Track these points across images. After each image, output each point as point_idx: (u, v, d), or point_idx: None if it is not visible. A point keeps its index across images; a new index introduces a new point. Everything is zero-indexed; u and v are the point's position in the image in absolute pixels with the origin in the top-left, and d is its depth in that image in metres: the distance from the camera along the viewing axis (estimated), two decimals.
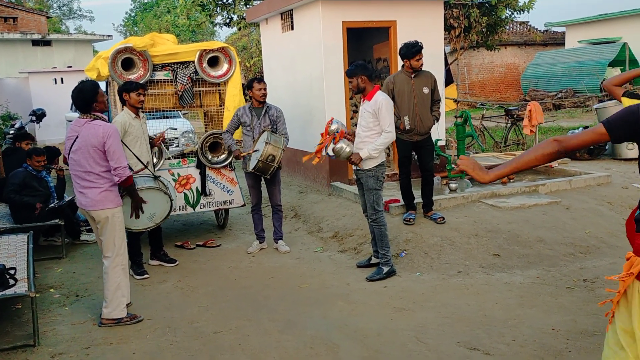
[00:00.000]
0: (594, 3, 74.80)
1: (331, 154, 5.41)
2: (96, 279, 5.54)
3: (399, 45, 7.85)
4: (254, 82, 6.09)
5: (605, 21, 23.70)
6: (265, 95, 6.09)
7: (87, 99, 4.31)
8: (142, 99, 5.48)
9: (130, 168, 5.19)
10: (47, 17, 30.07)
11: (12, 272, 4.33)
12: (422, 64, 6.00)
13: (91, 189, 4.31)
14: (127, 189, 4.47)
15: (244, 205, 6.93)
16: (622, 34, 22.51)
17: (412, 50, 5.90)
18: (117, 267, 4.45)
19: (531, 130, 8.94)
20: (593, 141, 2.37)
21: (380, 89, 5.32)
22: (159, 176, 5.31)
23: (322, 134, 5.54)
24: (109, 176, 4.33)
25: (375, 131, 5.12)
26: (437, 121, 6.34)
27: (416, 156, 6.32)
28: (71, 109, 12.78)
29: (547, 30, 28.71)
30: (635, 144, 2.31)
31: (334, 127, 5.37)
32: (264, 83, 6.13)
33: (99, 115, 4.35)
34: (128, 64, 6.33)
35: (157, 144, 6.04)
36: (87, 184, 4.31)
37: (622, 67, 20.78)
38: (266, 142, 5.79)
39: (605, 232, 6.01)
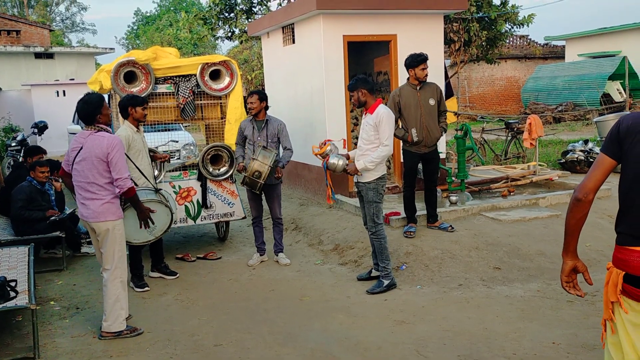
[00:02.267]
0: (594, 17, 75.35)
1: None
2: (96, 291, 5.54)
3: (400, 59, 7.98)
4: (248, 96, 6.14)
5: (605, 35, 23.84)
6: (254, 108, 6.01)
7: (92, 111, 4.35)
8: (146, 113, 5.55)
9: (134, 183, 5.23)
10: (50, 30, 30.29)
11: (12, 284, 4.33)
12: (427, 74, 6.06)
13: (93, 201, 4.33)
14: (130, 200, 4.49)
15: (244, 217, 6.94)
16: (622, 48, 22.63)
17: (417, 60, 5.96)
18: (116, 280, 4.45)
19: (531, 144, 8.95)
20: (604, 172, 2.37)
21: (383, 102, 5.34)
22: (160, 189, 5.33)
23: (316, 154, 5.60)
24: (111, 188, 4.35)
25: (376, 144, 5.14)
26: (445, 132, 6.40)
27: (421, 168, 6.35)
28: (73, 121, 12.84)
29: (547, 44, 28.88)
30: None
31: (332, 161, 5.37)
32: (255, 95, 6.03)
33: (103, 128, 4.39)
34: (130, 77, 6.37)
35: (159, 160, 6.06)
36: (89, 195, 4.33)
37: (622, 81, 20.86)
38: (253, 158, 5.87)
39: (606, 245, 6.01)
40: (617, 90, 20.93)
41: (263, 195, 6.25)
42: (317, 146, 5.61)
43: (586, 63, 23.11)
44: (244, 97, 6.79)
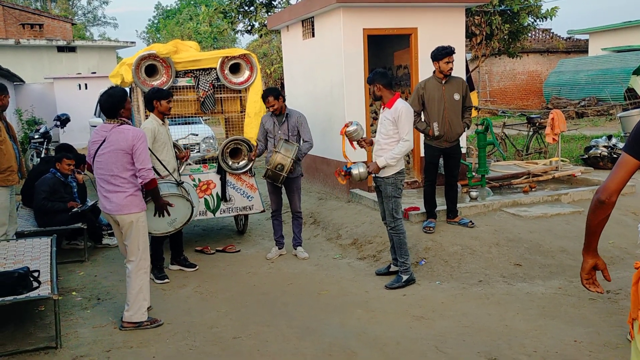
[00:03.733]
0: (618, 10, 73.85)
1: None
2: (117, 282, 5.61)
3: (420, 53, 7.91)
4: (262, 97, 6.13)
5: (629, 29, 23.37)
6: (275, 108, 6.00)
7: (115, 104, 4.38)
8: (171, 106, 5.59)
9: (157, 173, 5.27)
10: (72, 24, 30.62)
11: (35, 274, 4.40)
12: (451, 68, 5.98)
13: (116, 194, 4.36)
14: (151, 192, 4.52)
15: (263, 211, 6.95)
16: None
17: (442, 52, 5.90)
18: (140, 271, 4.50)
19: (554, 139, 8.82)
20: (628, 172, 2.32)
21: (402, 97, 5.30)
22: (182, 182, 5.36)
23: (341, 132, 5.55)
24: (134, 180, 4.39)
25: (395, 139, 5.10)
26: (468, 128, 6.34)
27: (442, 163, 6.30)
28: (95, 114, 12.99)
29: (570, 38, 28.40)
30: None
31: (351, 128, 5.38)
32: (270, 97, 5.98)
33: (125, 121, 4.42)
34: (151, 71, 6.41)
35: (182, 159, 6.07)
36: (112, 188, 4.37)
37: None
38: (275, 151, 5.88)
39: (630, 243, 5.91)
40: None
41: (283, 188, 6.26)
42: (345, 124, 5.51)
43: (610, 57, 22.69)
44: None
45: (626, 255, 5.71)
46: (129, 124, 4.44)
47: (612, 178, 2.33)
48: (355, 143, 5.53)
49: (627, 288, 4.87)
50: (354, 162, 5.45)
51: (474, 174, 7.83)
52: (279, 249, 6.41)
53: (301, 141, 6.19)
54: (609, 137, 10.33)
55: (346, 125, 5.45)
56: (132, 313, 4.50)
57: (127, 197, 4.37)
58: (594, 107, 20.56)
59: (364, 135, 5.50)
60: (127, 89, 6.84)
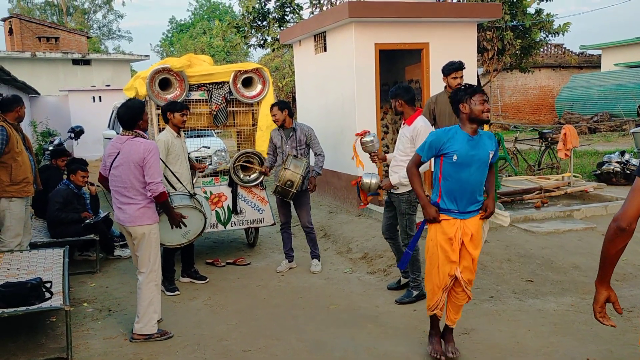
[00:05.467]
0: (632, 26, 73.62)
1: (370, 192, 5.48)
2: (128, 294, 5.63)
3: (432, 67, 7.93)
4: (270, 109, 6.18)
5: None
6: (278, 120, 6.05)
7: (134, 115, 4.44)
8: (184, 119, 5.64)
9: (172, 186, 5.31)
10: (87, 37, 31.08)
11: (48, 285, 4.43)
12: (459, 83, 5.97)
13: (130, 205, 4.41)
14: (162, 205, 4.56)
15: (274, 224, 6.97)
16: None
17: (450, 68, 5.91)
18: (151, 283, 4.53)
19: (566, 154, 8.78)
20: None
21: (422, 112, 5.29)
22: (195, 194, 5.40)
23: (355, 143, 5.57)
24: (147, 192, 4.42)
25: (411, 157, 5.07)
26: None
27: None
28: (108, 126, 13.12)
29: (582, 53, 28.34)
30: None
31: (367, 138, 5.37)
32: (275, 107, 6.05)
33: (140, 133, 4.47)
34: (165, 84, 6.49)
35: (199, 170, 6.15)
36: (126, 200, 4.41)
37: None
38: (284, 168, 5.90)
39: None
40: None
41: (292, 201, 6.27)
42: (360, 134, 5.52)
43: (623, 73, 22.59)
44: None
45: (639, 273, 5.65)
46: (144, 137, 4.49)
47: (630, 204, 2.24)
48: (364, 155, 5.52)
49: None
50: (369, 172, 5.45)
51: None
52: (289, 262, 6.41)
53: (312, 155, 6.20)
54: (622, 153, 10.26)
55: (362, 133, 5.43)
56: (142, 325, 4.52)
57: (140, 208, 4.41)
58: (607, 122, 20.45)
59: (377, 149, 5.49)
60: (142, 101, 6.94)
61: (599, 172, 10.08)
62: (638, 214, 2.25)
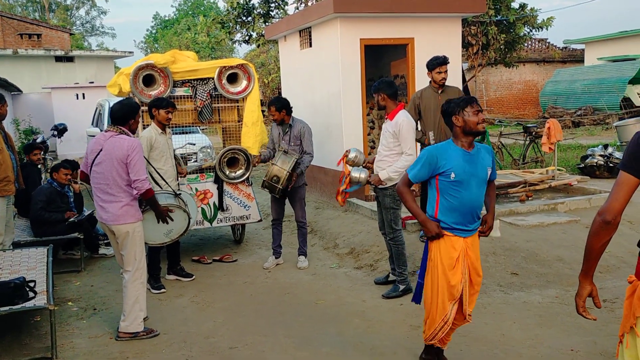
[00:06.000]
0: (614, 20, 74.42)
1: (354, 186, 5.47)
2: (113, 292, 5.59)
3: (417, 63, 7.95)
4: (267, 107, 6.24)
5: (625, 38, 23.54)
6: (276, 119, 6.10)
7: (128, 113, 4.43)
8: (169, 116, 5.59)
9: (157, 184, 5.27)
10: (70, 34, 30.72)
11: (31, 284, 4.39)
12: (443, 78, 6.02)
13: (112, 203, 4.36)
14: (148, 201, 4.53)
15: (260, 220, 6.95)
16: None
17: (434, 63, 5.94)
18: (137, 281, 4.49)
19: (550, 148, 8.85)
20: (628, 191, 2.28)
21: (405, 107, 5.31)
22: (180, 193, 5.35)
23: (339, 162, 5.60)
24: (130, 190, 4.38)
25: (395, 152, 5.07)
26: None
27: None
28: (92, 123, 12.99)
29: (566, 48, 28.57)
30: None
31: (351, 155, 5.42)
32: (272, 107, 6.07)
33: (125, 131, 4.43)
34: (149, 80, 6.43)
35: (179, 173, 6.08)
36: (108, 198, 4.37)
37: None
38: (272, 163, 5.95)
39: (626, 252, 5.92)
40: (638, 94, 20.64)
41: (287, 198, 6.29)
42: (343, 158, 5.56)
43: (606, 67, 22.81)
44: (262, 100, 6.84)
45: (622, 264, 5.72)
46: (128, 134, 4.45)
47: (615, 198, 2.28)
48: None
49: (623, 297, 4.86)
50: (358, 167, 5.45)
51: None
52: (276, 258, 6.40)
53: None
54: (605, 147, 10.37)
55: (345, 155, 5.47)
56: (128, 323, 4.48)
57: (123, 206, 4.37)
58: (590, 116, 20.65)
59: (364, 158, 5.51)
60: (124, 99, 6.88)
61: (583, 165, 10.18)
62: (622, 207, 2.28)
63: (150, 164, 5.34)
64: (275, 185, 5.93)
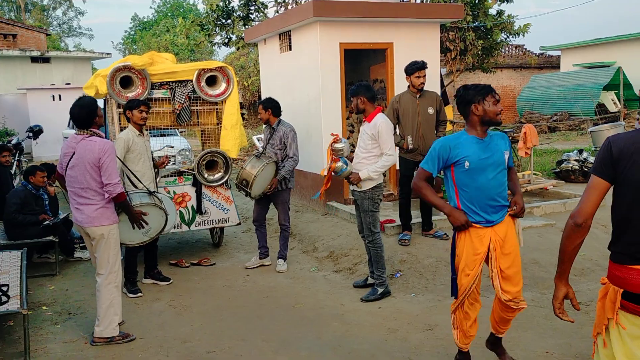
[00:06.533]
0: (589, 28, 75.88)
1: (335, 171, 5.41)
2: (89, 296, 5.51)
3: (396, 67, 8.00)
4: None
5: (600, 45, 24.00)
6: (262, 118, 6.26)
7: (89, 113, 4.34)
8: (144, 115, 5.54)
9: (135, 186, 5.21)
10: (47, 35, 30.26)
11: (4, 289, 4.30)
12: (422, 82, 6.07)
13: (87, 206, 4.31)
14: (120, 205, 4.47)
15: (239, 223, 6.92)
16: (617, 58, 22.79)
17: (413, 67, 5.98)
18: (110, 285, 4.43)
19: (526, 153, 8.97)
20: (599, 194, 2.35)
21: (383, 111, 5.33)
22: (154, 191, 5.30)
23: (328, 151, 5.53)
24: (105, 193, 4.33)
25: (373, 154, 5.10)
26: None
27: None
28: (68, 125, 12.82)
29: (542, 54, 29.02)
30: None
31: (339, 145, 5.34)
32: (260, 106, 6.29)
33: (96, 132, 4.37)
34: (126, 82, 6.37)
35: (161, 166, 6.07)
36: (83, 201, 4.31)
37: (616, 91, 20.99)
38: (242, 167, 6.04)
39: (600, 255, 6.02)
40: (612, 100, 21.05)
41: (269, 200, 6.34)
42: (334, 137, 5.50)
43: (581, 73, 23.23)
44: (241, 103, 6.84)
45: (597, 267, 5.82)
46: (100, 135, 4.38)
47: (586, 201, 2.35)
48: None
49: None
50: (345, 160, 5.39)
51: None
52: (260, 258, 6.43)
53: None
54: (580, 151, 10.55)
55: (334, 140, 5.42)
56: (102, 328, 4.42)
57: (98, 209, 4.31)
58: (566, 121, 20.98)
59: (349, 154, 5.50)
60: (101, 100, 6.81)
61: (558, 170, 10.34)
62: (593, 210, 2.36)
63: (127, 166, 5.28)
64: (245, 189, 6.01)
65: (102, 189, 4.30)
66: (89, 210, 4.31)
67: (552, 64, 28.25)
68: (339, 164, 5.25)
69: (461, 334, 3.69)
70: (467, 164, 3.40)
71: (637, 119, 14.87)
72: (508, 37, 14.67)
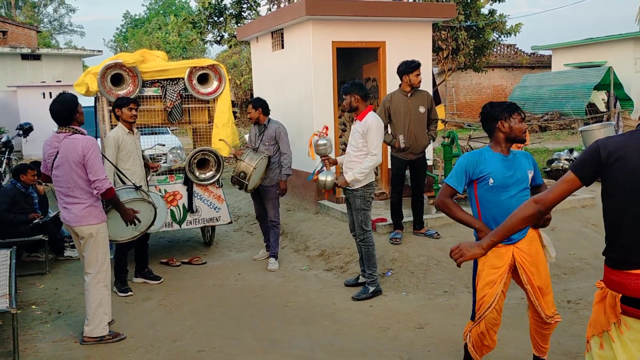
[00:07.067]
0: (580, 28, 76.31)
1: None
2: (79, 295, 5.47)
3: (388, 66, 8.00)
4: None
5: (591, 45, 24.12)
6: (252, 117, 6.34)
7: (70, 110, 4.27)
8: (134, 113, 5.51)
9: (122, 182, 5.17)
10: (37, 32, 30.05)
11: None
12: (420, 80, 6.09)
13: (75, 205, 4.27)
14: (110, 201, 4.43)
15: (230, 222, 6.91)
16: (607, 58, 22.91)
17: (412, 66, 5.99)
18: (99, 284, 4.40)
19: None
20: (568, 190, 2.42)
21: (374, 110, 5.35)
22: (140, 186, 5.22)
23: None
24: (93, 191, 4.29)
25: (364, 152, 5.11)
26: (434, 140, 6.44)
27: (409, 175, 6.38)
28: None
29: (534, 54, 29.16)
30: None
31: (321, 142, 5.39)
32: (249, 105, 6.35)
33: (77, 129, 4.31)
34: (117, 80, 6.33)
35: (152, 169, 6.04)
36: (71, 200, 4.28)
37: (607, 91, 21.12)
38: (240, 160, 6.13)
39: (589, 254, 6.06)
40: (602, 100, 21.17)
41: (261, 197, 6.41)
42: (317, 133, 5.52)
43: (572, 73, 23.35)
44: (233, 101, 6.84)
45: (586, 266, 5.85)
46: (82, 132, 4.33)
47: (554, 193, 2.43)
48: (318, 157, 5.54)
49: (587, 298, 4.99)
50: (323, 169, 5.44)
51: (440, 185, 7.93)
52: (267, 251, 6.55)
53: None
54: (571, 151, 10.61)
55: (316, 134, 5.46)
56: (92, 327, 4.39)
57: (86, 208, 4.28)
58: (557, 121, 21.09)
59: (331, 153, 5.52)
60: (92, 98, 6.77)
61: (549, 169, 10.39)
62: (558, 202, 2.46)
63: (113, 164, 5.24)
64: (242, 181, 6.07)
65: (90, 186, 4.26)
66: (77, 209, 4.27)
67: (543, 64, 28.40)
68: (321, 178, 5.30)
69: (477, 348, 3.58)
70: (491, 180, 3.37)
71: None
72: (500, 36, 14.73)
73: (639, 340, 2.30)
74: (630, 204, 2.25)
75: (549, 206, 2.46)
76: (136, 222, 4.65)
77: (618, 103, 20.20)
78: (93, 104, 6.88)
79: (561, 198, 2.45)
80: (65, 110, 4.27)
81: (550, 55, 27.07)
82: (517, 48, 28.91)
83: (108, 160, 5.22)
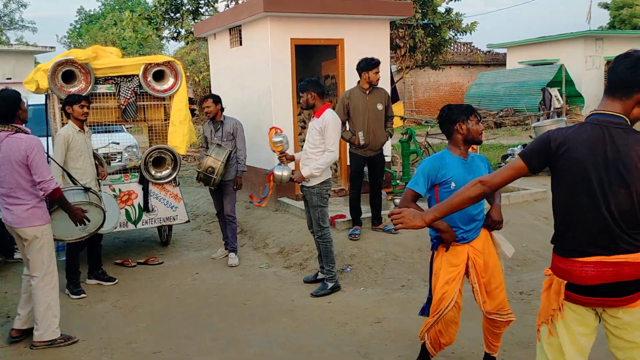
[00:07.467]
0: (534, 26, 78.38)
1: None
2: None
3: (347, 63, 8.03)
4: (203, 100, 6.48)
5: (544, 44, 24.78)
6: (210, 112, 6.37)
7: (12, 106, 4.10)
8: (85, 111, 5.37)
9: (74, 182, 5.01)
10: None
11: None
12: (379, 78, 6.14)
13: (18, 206, 4.11)
14: (57, 202, 4.29)
15: (188, 221, 6.82)
16: (560, 56, 23.59)
17: (372, 63, 6.03)
18: (47, 287, 4.25)
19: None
20: (515, 176, 2.49)
21: (333, 107, 5.37)
22: (89, 188, 5.06)
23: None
24: (36, 192, 4.14)
25: (321, 149, 5.13)
26: (391, 137, 6.50)
27: (367, 171, 6.42)
28: None
29: (489, 52, 29.79)
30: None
31: (276, 139, 5.41)
32: (210, 99, 6.39)
33: (20, 128, 4.15)
34: (69, 77, 6.16)
35: (101, 177, 5.82)
36: (12, 201, 4.11)
37: (559, 88, 21.76)
38: (206, 155, 6.12)
39: (541, 246, 6.23)
40: (555, 97, 21.79)
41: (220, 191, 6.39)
42: (275, 127, 5.56)
43: (526, 70, 23.95)
44: (190, 98, 6.76)
45: (538, 258, 6.02)
46: (25, 131, 4.16)
47: (501, 177, 2.50)
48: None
49: (539, 289, 5.10)
50: (280, 165, 5.43)
51: (398, 181, 8.02)
52: (226, 249, 6.50)
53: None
54: (524, 146, 10.88)
55: (274, 130, 5.46)
56: (42, 332, 4.25)
57: (29, 209, 4.13)
58: (511, 117, 21.61)
59: (287, 150, 5.53)
60: (43, 96, 6.57)
61: (504, 164, 10.63)
62: (502, 185, 2.54)
63: (60, 166, 5.09)
64: (211, 177, 6.06)
65: (34, 187, 4.11)
66: (19, 210, 4.11)
67: (498, 62, 29.04)
68: (277, 173, 5.30)
69: (435, 345, 3.65)
70: (453, 184, 3.41)
71: None
72: (456, 34, 14.99)
73: (577, 319, 2.39)
74: (578, 194, 2.32)
75: (493, 189, 2.54)
76: (85, 221, 4.51)
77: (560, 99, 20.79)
78: (44, 102, 6.67)
79: (506, 182, 2.52)
80: (7, 107, 4.09)
81: (505, 54, 27.70)
82: (473, 46, 29.49)
83: (54, 161, 5.06)
